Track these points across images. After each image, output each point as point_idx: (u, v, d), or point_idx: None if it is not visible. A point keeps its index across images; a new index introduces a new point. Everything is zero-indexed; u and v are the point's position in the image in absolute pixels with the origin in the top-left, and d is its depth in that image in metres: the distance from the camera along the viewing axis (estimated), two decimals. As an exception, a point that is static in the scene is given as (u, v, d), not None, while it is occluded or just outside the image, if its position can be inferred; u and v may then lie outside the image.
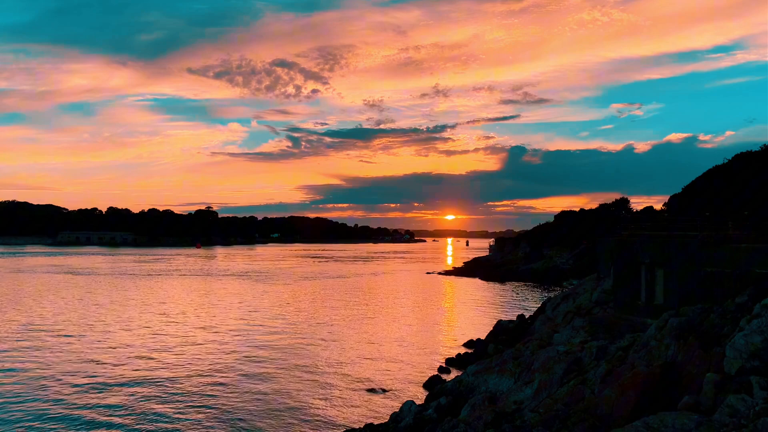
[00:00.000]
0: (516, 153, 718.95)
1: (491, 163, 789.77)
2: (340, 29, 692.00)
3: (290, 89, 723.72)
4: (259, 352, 38.22)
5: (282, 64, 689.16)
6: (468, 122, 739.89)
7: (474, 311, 59.59)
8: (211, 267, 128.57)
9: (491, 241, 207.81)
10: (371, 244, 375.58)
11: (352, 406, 26.92)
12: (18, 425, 23.87)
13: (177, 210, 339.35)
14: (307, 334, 44.77)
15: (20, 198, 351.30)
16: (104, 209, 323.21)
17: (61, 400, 27.20)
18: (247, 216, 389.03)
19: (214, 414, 25.45)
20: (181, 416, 25.12)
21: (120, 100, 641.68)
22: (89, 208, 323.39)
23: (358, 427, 23.36)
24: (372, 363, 35.40)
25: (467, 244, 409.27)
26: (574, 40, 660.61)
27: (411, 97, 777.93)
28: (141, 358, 36.05)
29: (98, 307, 58.89)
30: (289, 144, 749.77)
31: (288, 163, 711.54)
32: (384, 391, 29.31)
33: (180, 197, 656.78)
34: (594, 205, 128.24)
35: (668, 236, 26.42)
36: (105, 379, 30.96)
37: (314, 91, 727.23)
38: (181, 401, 27.19)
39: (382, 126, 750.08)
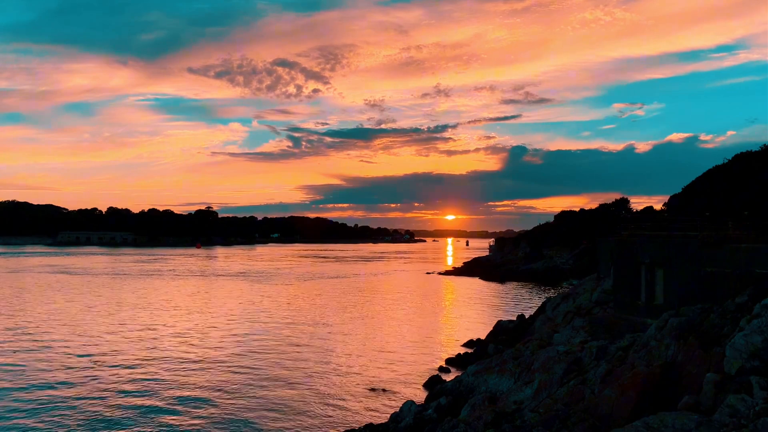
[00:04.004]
0: (517, 153, 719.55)
1: (492, 163, 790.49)
2: (342, 29, 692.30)
3: (291, 89, 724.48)
4: (258, 352, 38.21)
5: (283, 63, 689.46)
6: (469, 122, 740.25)
7: (474, 311, 59.58)
8: (211, 267, 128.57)
9: (491, 241, 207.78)
10: (371, 244, 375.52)
11: (352, 406, 26.92)
12: (16, 425, 23.88)
13: (177, 210, 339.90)
14: (307, 335, 44.76)
15: (20, 198, 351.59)
16: (104, 209, 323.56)
17: (59, 399, 27.20)
18: (247, 216, 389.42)
19: (213, 414, 25.44)
20: (179, 416, 25.12)
21: (120, 100, 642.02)
22: (89, 208, 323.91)
23: (358, 427, 23.36)
24: (372, 363, 35.40)
25: (467, 244, 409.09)
26: (576, 40, 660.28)
27: (412, 96, 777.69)
28: (139, 358, 36.03)
29: (96, 307, 58.88)
30: (290, 144, 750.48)
31: (288, 163, 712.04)
32: (384, 391, 29.32)
33: (180, 197, 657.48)
34: (594, 205, 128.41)
35: (668, 236, 26.42)
36: (102, 378, 30.93)
37: (315, 90, 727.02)
38: (179, 401, 27.17)
39: (382, 126, 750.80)
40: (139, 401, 27.08)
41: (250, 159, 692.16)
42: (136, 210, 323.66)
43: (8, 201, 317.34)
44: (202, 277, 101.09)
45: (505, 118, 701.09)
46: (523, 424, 16.80)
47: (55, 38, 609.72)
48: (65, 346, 39.02)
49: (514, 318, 46.71)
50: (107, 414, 25.26)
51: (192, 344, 40.50)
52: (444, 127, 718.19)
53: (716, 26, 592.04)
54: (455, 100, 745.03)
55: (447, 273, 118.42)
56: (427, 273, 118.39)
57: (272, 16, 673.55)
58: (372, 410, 26.29)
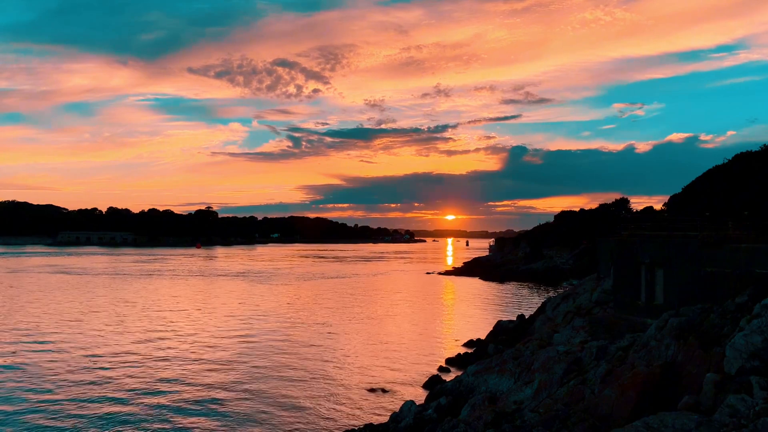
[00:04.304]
0: (517, 153, 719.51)
1: (492, 163, 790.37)
2: (342, 29, 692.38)
3: (291, 89, 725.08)
4: (258, 352, 38.21)
5: (283, 63, 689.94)
6: (469, 122, 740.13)
7: (474, 311, 59.58)
8: (211, 267, 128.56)
9: (491, 241, 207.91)
10: (371, 244, 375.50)
11: (351, 406, 26.92)
12: (16, 425, 23.88)
13: (177, 210, 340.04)
14: (307, 335, 44.77)
15: (20, 198, 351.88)
16: (104, 209, 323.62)
17: (59, 399, 27.19)
18: (247, 216, 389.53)
19: (213, 414, 25.44)
20: (179, 415, 25.11)
21: (120, 99, 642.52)
22: (89, 208, 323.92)
23: (358, 427, 23.36)
24: (372, 363, 35.40)
25: (467, 244, 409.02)
26: (576, 40, 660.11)
27: (412, 96, 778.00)
28: (139, 358, 36.03)
29: (96, 307, 58.87)
30: (290, 144, 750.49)
31: (288, 163, 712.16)
32: (384, 391, 29.31)
33: (180, 197, 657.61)
34: (594, 205, 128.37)
35: (668, 236, 26.42)
36: (101, 378, 30.92)
37: (315, 90, 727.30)
38: (179, 400, 27.17)
39: (383, 126, 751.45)
40: (137, 400, 27.06)
41: (250, 159, 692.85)
42: (136, 210, 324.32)
43: (8, 201, 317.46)
44: (202, 277, 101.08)
45: (505, 118, 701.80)
46: (523, 424, 16.80)
47: (55, 38, 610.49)
48: (65, 346, 39.00)
49: (514, 318, 46.70)
50: (106, 413, 25.25)
51: (192, 344, 40.49)
52: (444, 127, 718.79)
53: (716, 26, 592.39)
54: (455, 100, 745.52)
55: (447, 273, 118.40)
56: (427, 273, 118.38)
57: (272, 16, 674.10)
58: (372, 410, 26.29)
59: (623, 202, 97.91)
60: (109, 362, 34.68)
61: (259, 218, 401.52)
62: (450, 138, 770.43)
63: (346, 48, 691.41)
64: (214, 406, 26.48)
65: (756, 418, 11.45)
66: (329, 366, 34.47)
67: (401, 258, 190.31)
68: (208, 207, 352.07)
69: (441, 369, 33.78)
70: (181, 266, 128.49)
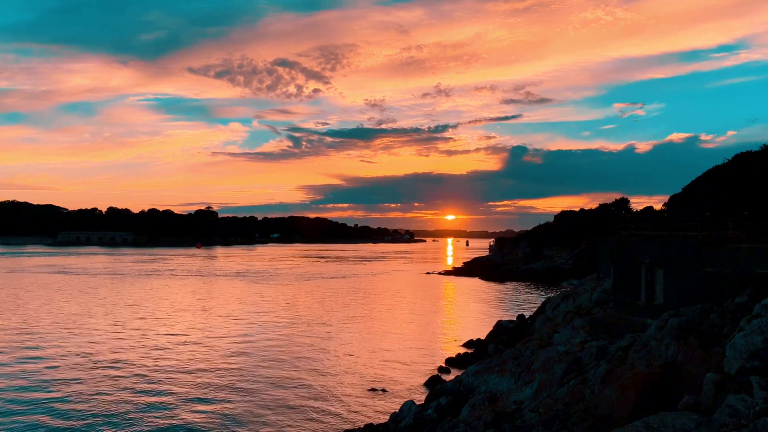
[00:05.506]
0: (517, 153, 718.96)
1: (492, 163, 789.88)
2: (342, 28, 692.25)
3: (291, 89, 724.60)
4: (257, 352, 38.21)
5: (283, 63, 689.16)
6: (469, 122, 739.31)
7: (474, 311, 59.58)
8: (211, 267, 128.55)
9: (491, 241, 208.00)
10: (371, 244, 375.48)
11: (352, 406, 26.91)
12: (15, 425, 23.88)
13: (177, 210, 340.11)
14: (307, 335, 44.76)
15: (20, 198, 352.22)
16: (104, 209, 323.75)
17: (57, 399, 27.19)
18: (247, 216, 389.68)
19: (213, 415, 25.43)
20: (179, 417, 25.11)
21: (121, 99, 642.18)
22: (89, 208, 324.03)
23: (358, 427, 23.36)
24: (372, 363, 35.39)
25: (467, 244, 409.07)
26: (576, 40, 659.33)
27: (412, 96, 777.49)
28: (138, 359, 36.02)
29: (96, 307, 58.87)
30: (290, 144, 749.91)
31: (288, 163, 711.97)
32: (384, 391, 29.31)
33: (180, 197, 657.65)
34: (594, 205, 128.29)
35: (668, 236, 26.42)
36: (99, 377, 30.92)
37: (315, 90, 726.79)
38: (178, 401, 27.17)
39: (383, 126, 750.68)
40: (136, 400, 27.05)
41: (250, 159, 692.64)
42: (136, 210, 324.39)
43: (8, 201, 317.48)
44: (201, 277, 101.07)
45: (506, 118, 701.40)
46: (523, 424, 16.79)
47: (55, 38, 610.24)
48: (64, 346, 38.99)
49: (514, 318, 46.70)
50: (105, 413, 25.25)
51: (191, 344, 40.48)
52: (444, 127, 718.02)
53: (717, 26, 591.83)
54: (456, 100, 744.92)
55: (447, 273, 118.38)
56: (427, 273, 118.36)
57: (272, 15, 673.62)
58: (372, 410, 26.28)
59: (623, 202, 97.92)
60: (108, 362, 34.66)
61: (259, 218, 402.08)
62: (450, 138, 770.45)
63: (346, 48, 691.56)
64: (212, 406, 26.47)
65: (756, 418, 11.45)
66: (329, 366, 34.46)
67: (401, 258, 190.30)
68: (208, 207, 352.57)
69: (441, 369, 33.77)
70: (181, 266, 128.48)
